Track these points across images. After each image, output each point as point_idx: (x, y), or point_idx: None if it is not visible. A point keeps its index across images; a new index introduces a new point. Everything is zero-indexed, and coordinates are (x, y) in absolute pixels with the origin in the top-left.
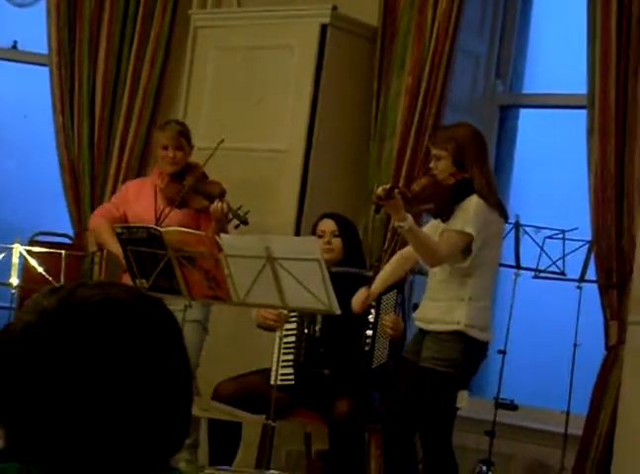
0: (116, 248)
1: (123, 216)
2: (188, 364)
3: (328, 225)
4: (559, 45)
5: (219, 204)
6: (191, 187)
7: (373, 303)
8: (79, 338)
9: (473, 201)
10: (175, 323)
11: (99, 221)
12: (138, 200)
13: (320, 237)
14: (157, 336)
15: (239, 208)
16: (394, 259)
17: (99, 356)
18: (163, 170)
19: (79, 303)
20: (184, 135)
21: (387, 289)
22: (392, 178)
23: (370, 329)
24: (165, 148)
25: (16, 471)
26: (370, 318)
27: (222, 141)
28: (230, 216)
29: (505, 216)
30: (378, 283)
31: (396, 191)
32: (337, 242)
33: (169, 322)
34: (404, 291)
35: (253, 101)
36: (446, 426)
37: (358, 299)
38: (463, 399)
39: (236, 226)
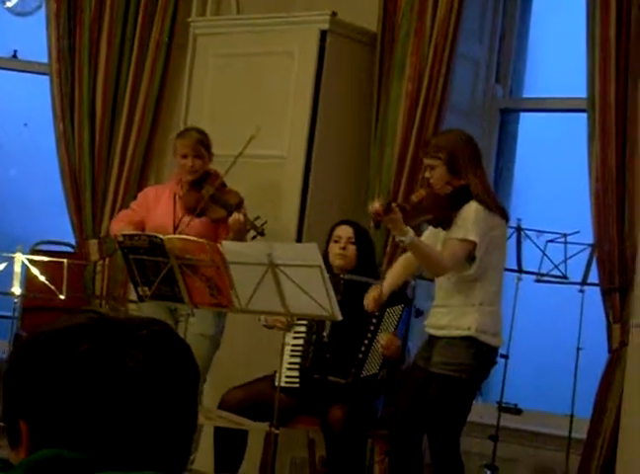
0: None
1: (142, 222)
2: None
3: (345, 231)
4: (559, 49)
5: (238, 216)
6: (209, 196)
7: (377, 312)
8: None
9: (472, 207)
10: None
11: (121, 226)
12: (157, 207)
13: (336, 242)
14: (190, 366)
15: (256, 219)
16: (400, 261)
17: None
18: (182, 178)
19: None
20: (203, 144)
21: (395, 301)
22: (393, 183)
23: (367, 338)
24: (184, 157)
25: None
26: (371, 327)
27: (254, 136)
28: (248, 227)
29: (506, 218)
30: (389, 282)
31: (394, 204)
32: (352, 249)
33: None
34: (412, 305)
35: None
36: (455, 431)
37: (369, 297)
38: None
39: (253, 237)
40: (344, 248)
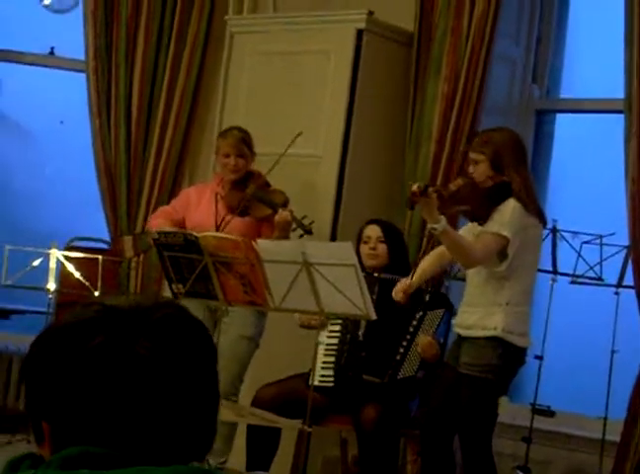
0: None
1: (182, 221)
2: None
3: (374, 231)
4: (596, 50)
5: (285, 213)
6: (253, 195)
7: (418, 314)
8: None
9: (510, 205)
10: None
11: (160, 222)
12: (198, 207)
13: (365, 243)
14: (204, 346)
15: (303, 218)
16: (432, 253)
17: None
18: (225, 177)
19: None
20: (246, 143)
21: (436, 304)
22: (428, 182)
23: (407, 340)
24: (227, 156)
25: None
26: (411, 329)
27: (300, 134)
28: (294, 226)
29: (543, 221)
30: (419, 272)
31: (431, 189)
32: (382, 248)
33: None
34: (453, 310)
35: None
36: (486, 431)
37: (398, 289)
38: (502, 405)
39: (300, 236)
40: (374, 248)
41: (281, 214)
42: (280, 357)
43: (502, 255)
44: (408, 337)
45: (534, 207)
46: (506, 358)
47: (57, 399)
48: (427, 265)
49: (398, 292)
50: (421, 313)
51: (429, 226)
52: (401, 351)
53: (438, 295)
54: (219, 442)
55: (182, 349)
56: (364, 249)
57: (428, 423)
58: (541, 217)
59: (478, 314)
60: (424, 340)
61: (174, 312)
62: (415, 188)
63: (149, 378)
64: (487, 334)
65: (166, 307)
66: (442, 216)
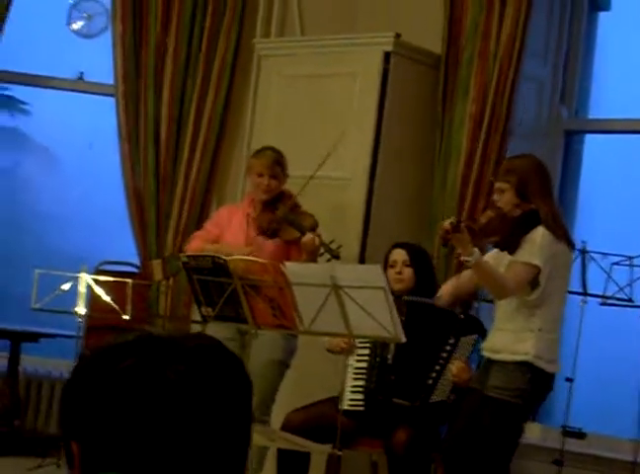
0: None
1: (217, 242)
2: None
3: (400, 255)
4: (624, 70)
5: (311, 237)
6: (283, 217)
7: (451, 340)
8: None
9: (539, 232)
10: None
11: (200, 244)
12: (229, 227)
13: (392, 267)
14: (236, 377)
15: (331, 242)
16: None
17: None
18: (256, 197)
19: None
20: (279, 164)
21: (469, 330)
22: (457, 204)
23: (440, 365)
24: (260, 176)
25: None
26: (444, 354)
27: (329, 154)
28: (322, 250)
29: (572, 246)
30: (454, 283)
31: (463, 224)
32: (408, 272)
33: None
34: (486, 334)
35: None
36: (505, 456)
37: (445, 289)
38: (536, 430)
39: (327, 260)
40: (400, 272)
41: (308, 237)
42: (312, 380)
43: (533, 283)
44: (441, 362)
45: (563, 233)
46: (534, 384)
47: (87, 419)
48: (467, 279)
49: (446, 293)
50: (454, 339)
51: (462, 258)
52: (433, 375)
53: (470, 319)
54: (249, 466)
55: (212, 377)
56: (391, 273)
57: (450, 446)
58: (570, 243)
59: (508, 338)
60: (457, 365)
61: (207, 343)
62: (447, 224)
63: (178, 404)
64: (517, 358)
65: (200, 338)
66: (476, 249)
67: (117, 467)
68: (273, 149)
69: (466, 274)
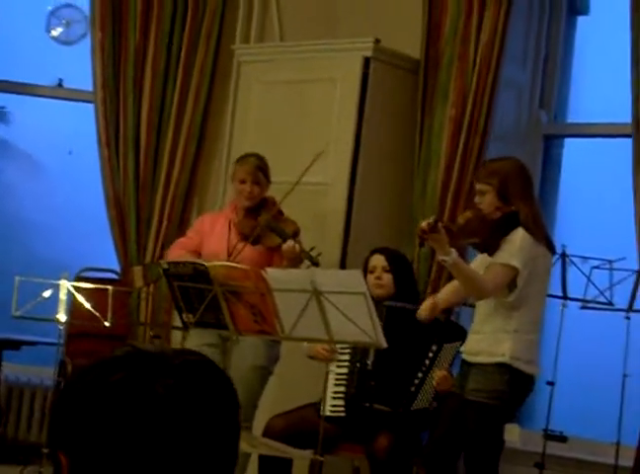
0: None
1: (199, 248)
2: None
3: (379, 260)
4: (603, 74)
5: (292, 245)
6: (265, 224)
7: (434, 347)
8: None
9: (519, 234)
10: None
11: (180, 252)
12: (212, 234)
13: (371, 273)
14: (223, 393)
15: (312, 249)
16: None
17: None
18: (239, 204)
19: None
20: (262, 170)
21: (452, 337)
22: (437, 209)
23: (422, 372)
24: (243, 182)
25: None
26: (427, 361)
27: (321, 153)
28: (303, 257)
29: (552, 250)
30: (444, 297)
31: (440, 224)
32: (387, 277)
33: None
34: None
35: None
36: (492, 458)
37: (425, 307)
38: (515, 433)
39: (307, 267)
40: (379, 278)
41: (288, 244)
42: (294, 386)
43: (511, 285)
44: (424, 368)
45: (543, 236)
46: (513, 385)
47: (76, 431)
48: (456, 288)
49: (425, 310)
50: (436, 346)
51: (439, 258)
52: (416, 382)
53: (452, 326)
54: None
55: (199, 391)
56: (370, 279)
57: (431, 450)
58: (550, 246)
59: (486, 341)
60: (439, 374)
61: (195, 358)
62: (424, 225)
63: (167, 417)
64: (495, 360)
65: (189, 355)
66: (453, 249)
67: None
68: (256, 156)
69: (449, 286)
